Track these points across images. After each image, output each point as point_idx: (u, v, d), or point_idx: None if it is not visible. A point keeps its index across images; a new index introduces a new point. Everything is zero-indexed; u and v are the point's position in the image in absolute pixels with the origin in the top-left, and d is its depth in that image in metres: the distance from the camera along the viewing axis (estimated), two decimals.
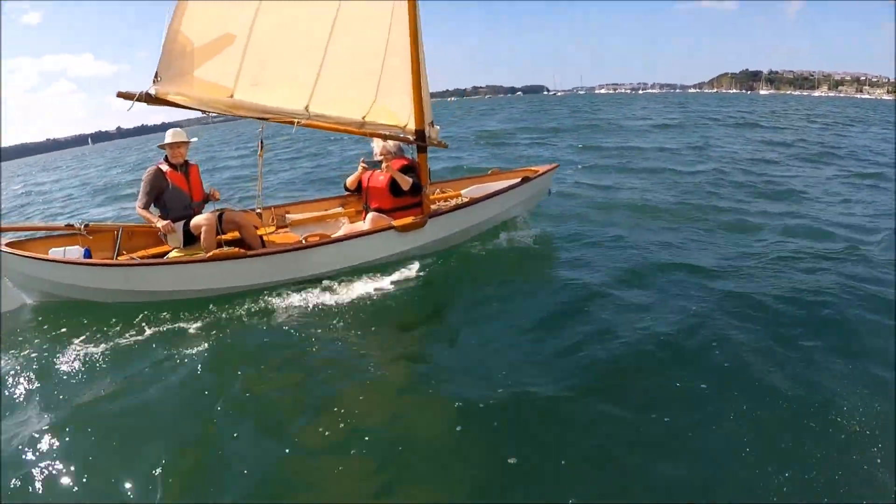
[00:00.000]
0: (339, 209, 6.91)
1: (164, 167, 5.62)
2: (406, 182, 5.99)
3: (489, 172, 7.60)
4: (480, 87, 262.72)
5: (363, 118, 5.95)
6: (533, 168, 7.47)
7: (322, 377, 4.07)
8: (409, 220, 5.93)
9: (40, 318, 5.29)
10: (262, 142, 5.62)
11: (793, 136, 21.03)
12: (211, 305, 5.17)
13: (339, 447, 3.26)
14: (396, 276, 5.72)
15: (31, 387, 4.12)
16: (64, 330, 4.99)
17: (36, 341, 4.83)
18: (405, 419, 3.58)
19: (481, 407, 3.53)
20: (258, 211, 6.15)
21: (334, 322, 4.85)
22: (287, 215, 6.58)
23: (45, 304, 5.46)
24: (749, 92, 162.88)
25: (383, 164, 6.11)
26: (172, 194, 5.60)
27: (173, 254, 5.56)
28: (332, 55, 5.45)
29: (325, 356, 4.34)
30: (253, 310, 5.11)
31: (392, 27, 5.79)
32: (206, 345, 4.50)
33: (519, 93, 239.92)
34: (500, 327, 4.77)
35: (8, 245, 5.32)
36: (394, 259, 5.94)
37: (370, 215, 6.08)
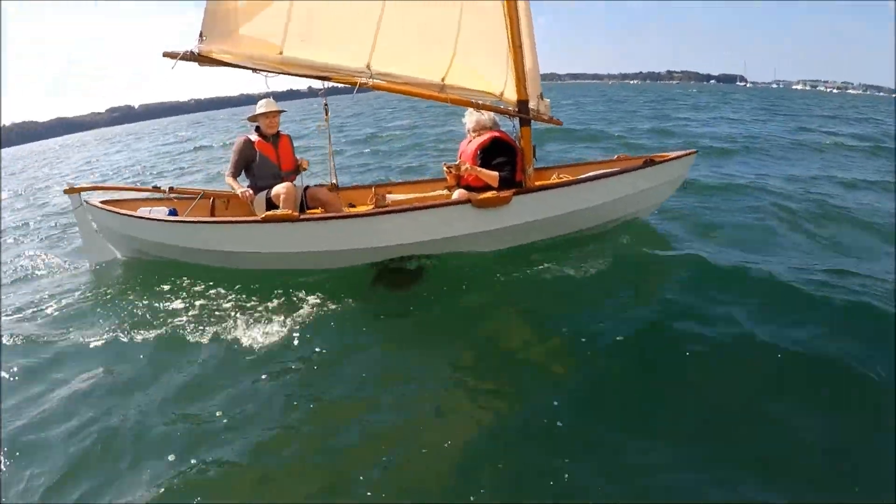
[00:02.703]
0: (445, 191, 6.31)
1: (254, 137, 5.60)
2: (491, 177, 5.21)
3: (615, 158, 6.25)
4: (675, 72, 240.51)
5: (442, 80, 5.21)
6: (663, 154, 5.95)
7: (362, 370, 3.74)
8: (490, 193, 5.09)
9: (123, 274, 5.68)
10: (326, 106, 5.20)
11: None
12: (281, 279, 5.05)
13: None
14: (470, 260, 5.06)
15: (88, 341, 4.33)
16: (136, 287, 5.27)
17: (114, 296, 5.16)
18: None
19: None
20: (333, 182, 5.80)
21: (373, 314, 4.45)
22: (388, 195, 6.14)
23: (132, 261, 5.81)
24: None
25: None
26: (260, 164, 5.57)
27: None
28: (393, 4, 4.78)
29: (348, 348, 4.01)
30: (318, 287, 4.86)
31: None
32: (271, 319, 4.42)
33: (713, 81, 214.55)
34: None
35: (102, 202, 5.67)
36: (471, 241, 5.17)
37: (457, 191, 5.40)
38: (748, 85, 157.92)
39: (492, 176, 5.19)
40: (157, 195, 5.91)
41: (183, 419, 3.29)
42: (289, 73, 4.80)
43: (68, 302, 5.10)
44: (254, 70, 4.73)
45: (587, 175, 5.58)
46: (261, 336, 4.17)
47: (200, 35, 4.50)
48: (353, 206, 6.33)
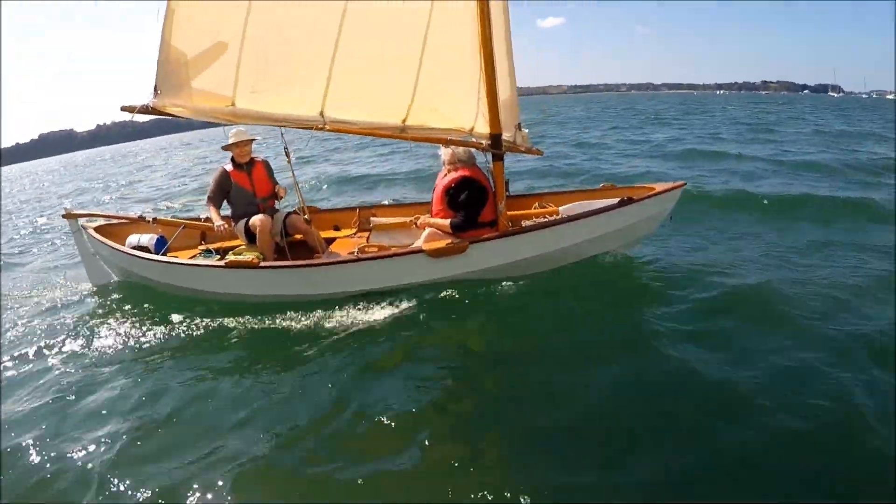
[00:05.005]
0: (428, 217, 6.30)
1: (229, 167, 5.77)
2: (443, 226, 5.17)
3: (600, 186, 6.00)
4: (770, 83, 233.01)
5: (403, 122, 5.15)
6: (650, 185, 5.65)
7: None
8: (442, 243, 5.05)
9: (112, 296, 6.06)
10: (286, 149, 5.27)
11: None
12: (252, 314, 5.17)
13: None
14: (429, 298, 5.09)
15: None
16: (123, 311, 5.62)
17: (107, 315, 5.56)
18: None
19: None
20: (305, 217, 5.87)
21: (345, 344, 4.55)
22: (373, 218, 6.18)
23: (127, 283, 6.17)
24: None
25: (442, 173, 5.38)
26: (236, 193, 5.76)
27: (240, 249, 5.70)
28: (344, 53, 4.75)
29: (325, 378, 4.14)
30: (287, 323, 4.97)
31: (434, 11, 4.84)
32: (228, 348, 4.71)
33: (806, 91, 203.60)
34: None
35: (96, 229, 6.04)
36: (432, 286, 5.16)
37: (426, 231, 5.36)
38: (836, 95, 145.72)
39: (443, 225, 5.15)
40: (146, 222, 6.20)
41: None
42: (243, 123, 4.89)
43: (65, 317, 5.65)
44: (209, 121, 4.85)
45: (557, 217, 5.40)
46: (236, 359, 4.48)
47: (155, 88, 4.65)
48: (339, 227, 6.46)
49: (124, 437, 3.54)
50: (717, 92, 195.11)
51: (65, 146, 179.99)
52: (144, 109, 4.65)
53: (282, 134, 5.07)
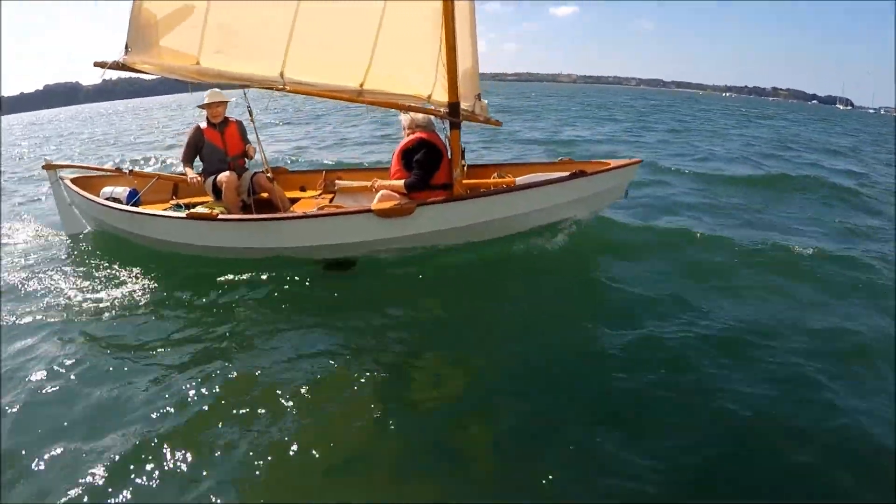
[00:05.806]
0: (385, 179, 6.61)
1: (203, 125, 6.13)
2: (397, 187, 5.42)
3: (558, 160, 6.22)
4: (781, 90, 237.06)
5: (360, 85, 5.47)
6: (605, 161, 5.90)
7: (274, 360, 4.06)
8: (389, 203, 5.35)
9: (84, 246, 6.43)
10: (249, 109, 5.61)
11: None
12: (210, 268, 5.45)
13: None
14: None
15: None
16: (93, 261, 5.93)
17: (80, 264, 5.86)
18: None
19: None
20: (269, 175, 6.23)
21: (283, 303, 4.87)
22: (337, 181, 6.49)
23: (100, 234, 6.55)
24: None
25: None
26: (208, 150, 6.13)
27: (209, 203, 6.11)
28: (304, 17, 5.05)
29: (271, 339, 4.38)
30: (235, 277, 5.27)
31: None
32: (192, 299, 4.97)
33: (815, 101, 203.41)
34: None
35: (73, 180, 6.43)
36: (380, 245, 5.43)
37: (379, 193, 5.62)
38: (843, 108, 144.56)
39: (398, 186, 5.42)
40: (123, 174, 6.59)
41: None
42: (207, 82, 5.24)
43: (37, 265, 5.89)
44: (174, 78, 5.20)
45: (507, 186, 5.71)
46: (199, 313, 4.73)
47: (126, 46, 5.00)
48: (305, 189, 6.83)
49: (70, 387, 3.70)
50: (724, 94, 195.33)
51: (70, 98, 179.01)
52: (116, 65, 5.00)
53: (244, 94, 5.41)
